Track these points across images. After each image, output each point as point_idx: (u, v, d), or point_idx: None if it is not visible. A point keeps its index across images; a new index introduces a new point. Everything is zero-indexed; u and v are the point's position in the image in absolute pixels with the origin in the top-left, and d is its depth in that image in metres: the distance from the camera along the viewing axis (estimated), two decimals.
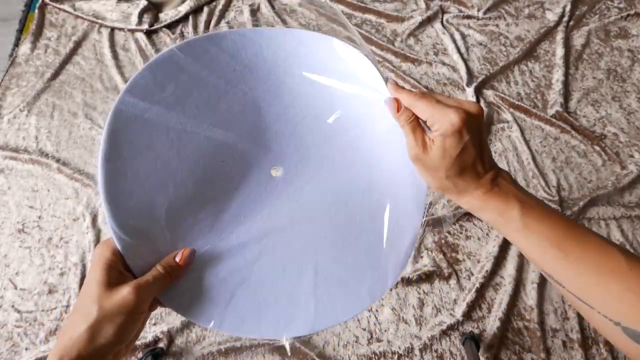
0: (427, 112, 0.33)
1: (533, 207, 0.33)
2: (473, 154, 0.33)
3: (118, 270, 0.34)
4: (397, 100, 0.36)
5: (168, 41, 1.23)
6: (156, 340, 0.81)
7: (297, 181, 0.42)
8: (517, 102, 1.07)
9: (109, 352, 0.33)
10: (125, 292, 0.32)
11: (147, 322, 0.86)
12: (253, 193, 0.41)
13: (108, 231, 0.34)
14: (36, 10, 1.30)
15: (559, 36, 1.17)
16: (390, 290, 0.86)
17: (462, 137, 0.32)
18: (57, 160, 1.03)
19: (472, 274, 0.87)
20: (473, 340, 0.78)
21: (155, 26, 1.24)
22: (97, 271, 0.33)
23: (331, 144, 0.42)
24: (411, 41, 1.20)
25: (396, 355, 0.80)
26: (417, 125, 0.34)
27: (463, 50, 1.17)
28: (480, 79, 1.10)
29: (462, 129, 0.32)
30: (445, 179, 0.34)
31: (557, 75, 1.10)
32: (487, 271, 0.86)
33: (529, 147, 1.01)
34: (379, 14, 1.25)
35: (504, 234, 0.34)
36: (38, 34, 1.26)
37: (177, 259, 0.36)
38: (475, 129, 0.33)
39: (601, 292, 0.28)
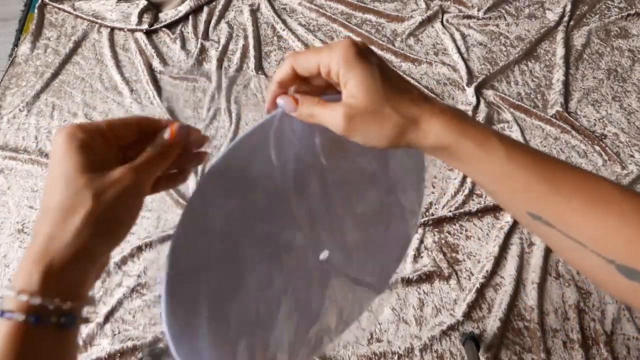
0: (314, 56, 0.28)
1: (508, 138, 0.28)
2: (396, 73, 0.29)
3: (98, 153, 0.28)
4: (292, 97, 0.30)
5: (168, 41, 1.23)
6: (156, 340, 0.81)
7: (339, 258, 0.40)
8: (517, 102, 1.06)
9: (108, 249, 0.28)
10: (121, 172, 0.27)
11: (148, 322, 0.86)
12: (302, 281, 0.39)
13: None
14: (36, 10, 1.30)
15: (560, 36, 1.17)
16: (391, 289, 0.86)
17: (370, 56, 0.28)
18: None
19: (472, 274, 0.87)
20: (473, 341, 0.78)
21: (155, 26, 1.24)
22: (72, 154, 0.26)
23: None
24: (411, 41, 1.20)
25: (396, 356, 0.80)
26: (325, 102, 0.29)
27: (463, 50, 1.16)
28: (480, 79, 1.10)
29: (362, 48, 0.28)
30: (392, 110, 0.27)
31: (558, 75, 1.10)
32: (487, 271, 0.85)
33: None
34: (379, 13, 1.25)
35: (480, 173, 0.29)
36: (38, 34, 1.26)
37: (166, 136, 0.30)
38: (374, 55, 0.29)
39: (596, 227, 0.26)
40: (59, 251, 0.26)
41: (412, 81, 1.11)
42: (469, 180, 0.96)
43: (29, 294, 0.25)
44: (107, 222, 0.27)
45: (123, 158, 0.30)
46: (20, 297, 0.25)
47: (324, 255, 0.39)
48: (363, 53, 0.27)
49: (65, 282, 0.26)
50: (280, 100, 0.30)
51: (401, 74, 0.28)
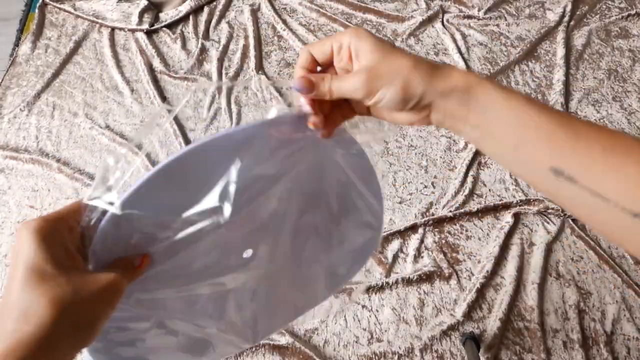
0: (328, 39, 0.30)
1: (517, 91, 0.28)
2: (405, 51, 0.29)
3: (65, 248, 0.27)
4: (306, 78, 0.30)
5: (168, 41, 1.23)
6: None
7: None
8: None
9: (77, 350, 0.26)
10: (112, 277, 0.27)
11: None
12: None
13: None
14: (36, 10, 1.30)
15: (560, 36, 1.17)
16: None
17: (380, 39, 0.29)
18: (58, 160, 1.03)
19: (473, 274, 0.87)
20: (473, 341, 0.78)
21: (156, 26, 1.24)
22: (42, 249, 0.25)
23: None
24: (412, 41, 1.20)
25: (396, 356, 0.80)
26: (338, 74, 0.31)
27: (464, 50, 1.16)
28: None
29: (368, 33, 0.29)
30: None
31: (558, 75, 1.10)
32: (487, 271, 0.85)
33: None
34: (379, 13, 1.25)
35: (502, 121, 0.27)
36: (38, 34, 1.26)
37: (136, 263, 0.31)
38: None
39: (618, 177, 0.24)
40: (30, 353, 0.23)
41: None
42: (469, 180, 0.96)
43: None
44: (85, 318, 0.26)
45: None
46: None
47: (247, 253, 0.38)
48: (370, 32, 0.30)
49: None
50: (296, 82, 0.30)
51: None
